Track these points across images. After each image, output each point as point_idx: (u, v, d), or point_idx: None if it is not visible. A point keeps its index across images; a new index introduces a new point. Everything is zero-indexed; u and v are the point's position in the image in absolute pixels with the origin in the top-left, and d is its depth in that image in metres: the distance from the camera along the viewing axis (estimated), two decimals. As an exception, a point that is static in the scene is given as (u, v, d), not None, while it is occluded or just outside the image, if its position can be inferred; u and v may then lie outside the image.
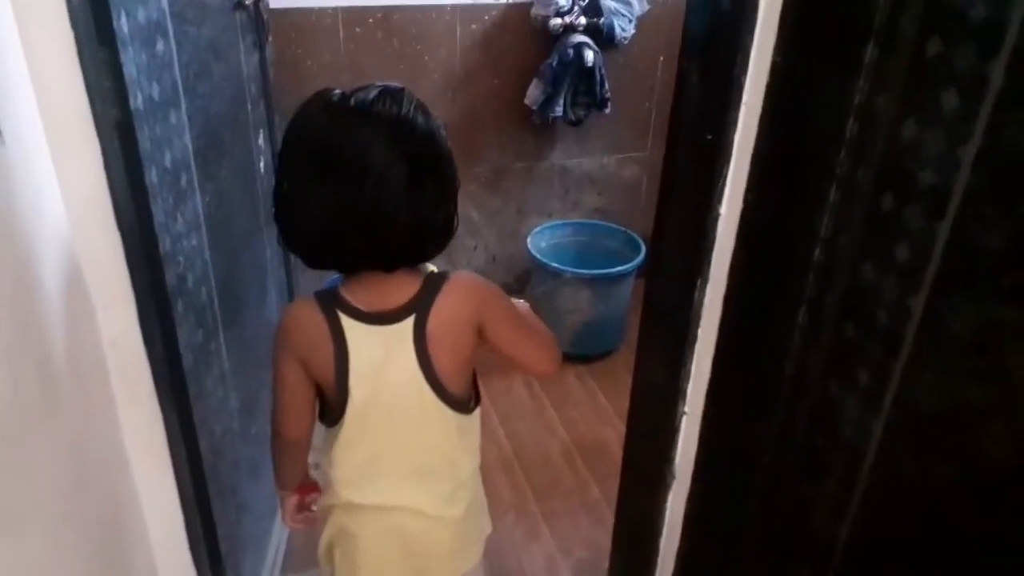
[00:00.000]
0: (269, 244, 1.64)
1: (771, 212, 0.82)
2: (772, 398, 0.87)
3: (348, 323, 0.97)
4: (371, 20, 2.32)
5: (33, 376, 0.71)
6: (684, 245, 0.96)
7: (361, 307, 0.98)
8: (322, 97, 0.92)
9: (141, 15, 0.89)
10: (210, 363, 1.15)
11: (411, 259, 0.98)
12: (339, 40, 2.32)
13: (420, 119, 0.94)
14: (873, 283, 0.71)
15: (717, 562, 1.04)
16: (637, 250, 2.55)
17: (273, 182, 0.94)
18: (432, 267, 1.03)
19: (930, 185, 0.63)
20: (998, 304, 0.58)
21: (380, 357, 0.98)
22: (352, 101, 0.91)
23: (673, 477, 1.10)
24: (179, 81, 1.02)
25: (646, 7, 2.50)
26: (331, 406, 1.03)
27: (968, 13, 0.57)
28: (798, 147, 0.77)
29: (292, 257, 1.89)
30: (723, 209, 0.87)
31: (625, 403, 1.22)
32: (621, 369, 2.53)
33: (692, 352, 0.99)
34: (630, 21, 2.46)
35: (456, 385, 1.02)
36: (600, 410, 2.40)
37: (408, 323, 0.98)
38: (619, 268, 2.45)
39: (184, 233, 1.03)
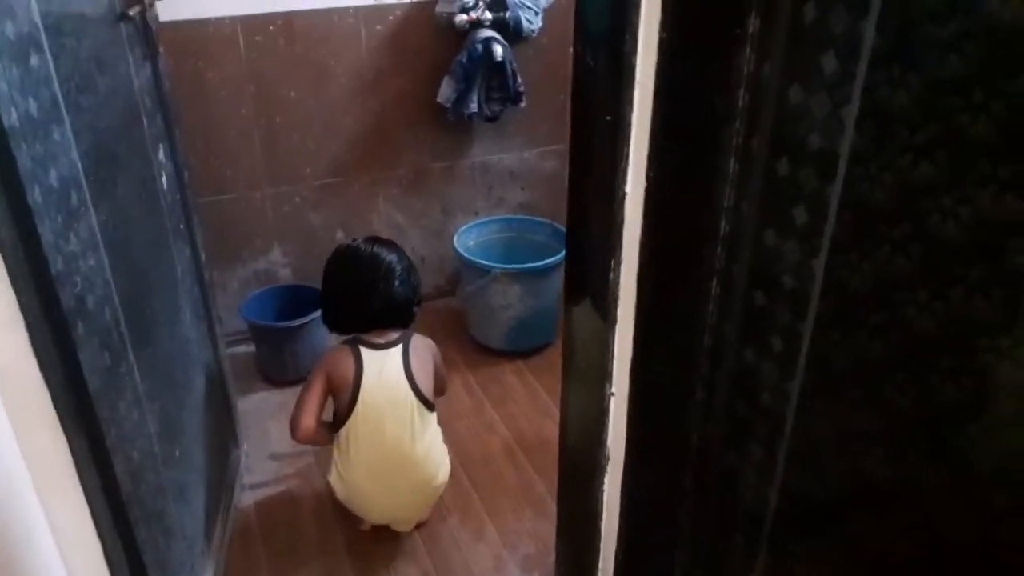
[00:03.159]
0: (179, 261, 1.59)
1: (674, 187, 0.83)
2: (693, 371, 0.88)
3: (364, 351, 1.81)
4: (271, 27, 2.27)
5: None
6: (596, 228, 0.96)
7: (373, 341, 1.83)
8: (343, 247, 1.93)
9: (9, 29, 0.84)
10: (121, 386, 1.10)
11: (405, 321, 1.89)
12: (240, 50, 2.26)
13: (394, 249, 1.92)
14: (776, 248, 0.72)
15: (657, 540, 1.05)
16: (564, 242, 2.56)
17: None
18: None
19: (819, 148, 0.64)
20: (891, 258, 0.59)
21: (380, 367, 1.79)
22: (358, 243, 1.90)
23: (607, 459, 1.11)
24: (60, 96, 0.97)
25: (551, 0, 2.51)
26: (341, 412, 1.78)
27: (837, -25, 0.58)
28: (693, 121, 0.78)
29: (208, 275, 1.84)
30: (628, 188, 0.87)
31: (563, 394, 1.22)
32: (558, 362, 2.52)
33: (614, 332, 0.99)
34: (536, 14, 2.47)
35: (425, 389, 1.81)
36: (540, 404, 2.40)
37: (398, 348, 1.83)
38: (547, 261, 2.46)
39: (79, 252, 0.98)
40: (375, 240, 1.92)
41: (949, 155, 0.53)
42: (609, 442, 1.08)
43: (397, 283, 1.85)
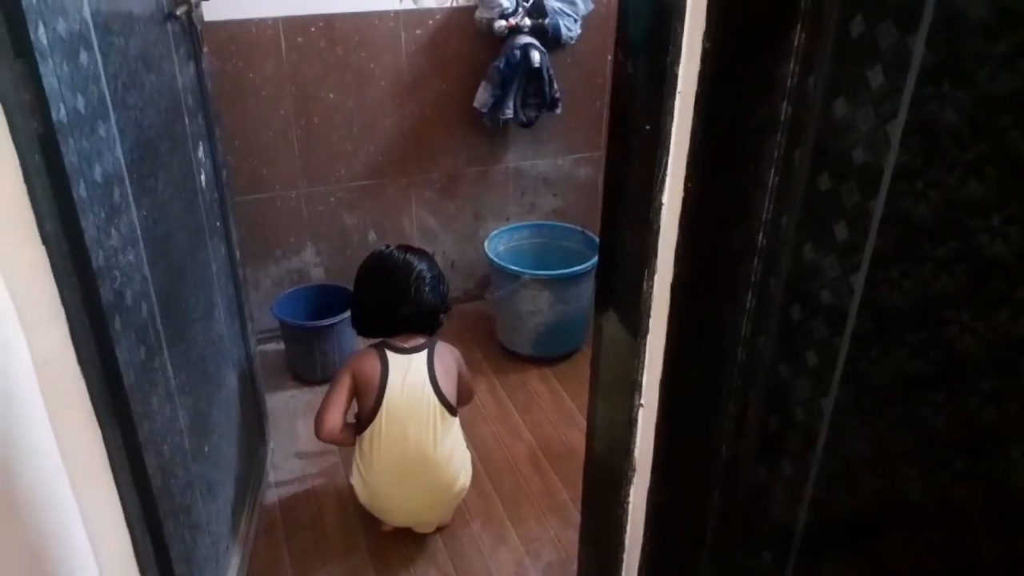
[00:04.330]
0: (215, 259, 1.61)
1: (713, 198, 0.82)
2: (725, 385, 0.87)
3: (390, 354, 1.84)
4: (313, 29, 2.30)
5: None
6: (631, 238, 0.96)
7: (399, 345, 1.86)
8: (376, 253, 1.98)
9: (61, 26, 0.86)
10: (155, 381, 1.12)
11: (432, 326, 1.94)
12: (281, 51, 2.29)
13: (425, 257, 1.97)
14: (815, 263, 0.71)
15: (682, 552, 1.04)
16: (595, 249, 2.55)
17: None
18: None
19: (863, 162, 0.64)
20: (933, 277, 0.58)
21: (405, 370, 1.82)
22: (392, 250, 1.95)
23: (633, 471, 1.10)
24: (107, 93, 0.99)
25: (591, 6, 2.51)
26: (364, 414, 1.81)
27: (888, -9, 0.57)
28: (735, 132, 0.78)
29: (242, 272, 1.86)
30: (665, 199, 0.87)
31: (589, 403, 1.21)
32: (585, 370, 2.50)
33: (645, 343, 0.99)
34: (575, 21, 2.47)
35: (448, 394, 1.84)
36: (565, 412, 2.40)
37: (423, 353, 1.86)
38: (578, 268, 2.45)
39: (119, 248, 1.00)
40: (407, 248, 1.97)
41: (998, 173, 0.52)
42: (636, 453, 1.07)
43: (427, 290, 1.89)
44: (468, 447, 1.95)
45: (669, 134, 0.83)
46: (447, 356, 1.91)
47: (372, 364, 1.82)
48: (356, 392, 1.84)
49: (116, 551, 1.00)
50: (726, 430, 0.89)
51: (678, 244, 0.86)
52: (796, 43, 0.70)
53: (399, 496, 1.84)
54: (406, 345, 1.86)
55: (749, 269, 0.80)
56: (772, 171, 0.75)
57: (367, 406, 1.80)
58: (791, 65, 0.71)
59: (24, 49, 0.78)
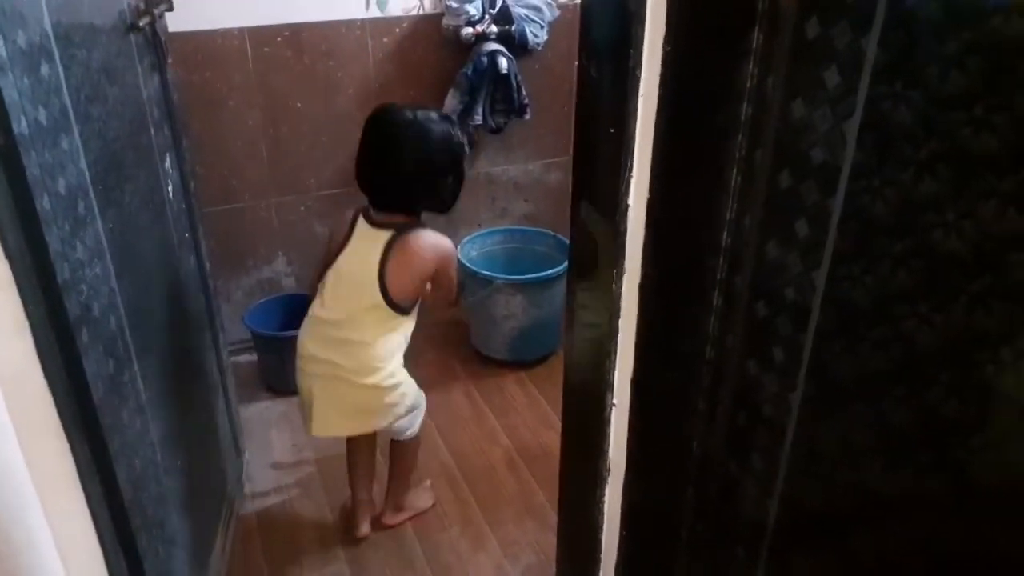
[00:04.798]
0: (184, 270, 1.60)
1: (677, 199, 0.83)
2: (695, 382, 0.88)
3: (361, 221, 1.72)
4: (279, 39, 2.29)
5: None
6: (598, 240, 0.97)
7: (372, 216, 1.72)
8: (389, 104, 1.75)
9: (21, 38, 0.85)
10: (124, 394, 1.10)
11: (401, 205, 1.71)
12: (248, 60, 2.28)
13: (431, 124, 1.69)
14: (778, 261, 0.73)
15: (657, 551, 1.04)
16: (567, 253, 2.57)
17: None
18: (429, 230, 1.77)
19: (822, 161, 0.65)
20: (892, 272, 0.60)
21: (362, 244, 1.70)
22: (397, 105, 1.74)
23: (608, 470, 1.11)
24: (69, 105, 0.98)
25: (556, 13, 2.52)
26: (319, 271, 1.78)
27: (842, -8, 0.59)
28: (697, 134, 0.79)
29: (212, 283, 1.84)
30: (631, 200, 0.88)
31: (566, 405, 1.22)
32: (560, 372, 2.53)
33: (615, 344, 1.00)
34: (542, 27, 2.49)
35: (394, 290, 1.69)
36: (541, 415, 2.40)
37: (387, 234, 1.68)
38: (550, 271, 2.46)
39: (86, 261, 0.99)
40: (421, 108, 1.72)
41: (951, 169, 0.53)
42: (610, 453, 1.08)
43: (403, 159, 1.66)
44: (413, 385, 1.86)
45: (633, 136, 0.84)
46: (414, 253, 1.69)
47: (344, 224, 1.75)
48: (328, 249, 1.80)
49: (87, 566, 0.99)
50: (697, 427, 0.90)
51: (645, 244, 0.87)
52: (754, 45, 0.71)
53: (311, 365, 1.76)
54: (378, 219, 1.71)
55: (715, 267, 0.81)
56: (735, 171, 0.76)
57: (324, 264, 1.77)
58: (750, 67, 0.72)
59: (-18, 62, 0.77)
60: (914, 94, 0.55)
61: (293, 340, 2.38)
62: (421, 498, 2.07)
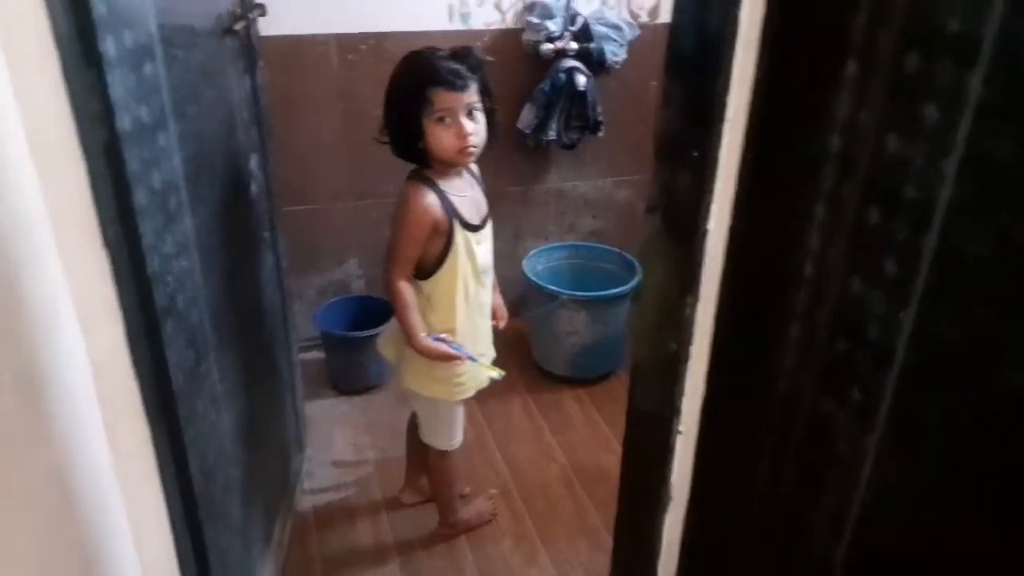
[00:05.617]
0: (263, 268, 1.64)
1: (759, 228, 0.82)
2: (766, 415, 0.87)
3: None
4: (364, 47, 2.34)
5: (14, 390, 0.70)
6: (673, 262, 0.96)
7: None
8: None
9: (128, 38, 0.89)
10: (201, 385, 1.14)
11: (402, 154, 1.63)
12: (332, 67, 2.34)
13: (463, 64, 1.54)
14: (862, 297, 0.71)
15: (715, 584, 1.02)
16: (633, 272, 2.55)
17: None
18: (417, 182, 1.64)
19: (914, 198, 0.63)
20: (988, 315, 0.58)
21: None
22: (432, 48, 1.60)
23: (669, 498, 1.09)
24: (168, 104, 1.02)
25: (637, 32, 2.52)
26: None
27: (945, 28, 0.57)
28: (783, 163, 0.78)
29: (287, 282, 1.89)
30: (711, 225, 0.87)
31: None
32: (620, 392, 2.51)
33: (685, 370, 0.98)
34: (621, 46, 2.48)
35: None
36: (600, 435, 2.39)
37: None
38: (616, 290, 2.45)
39: (174, 254, 1.02)
40: (450, 53, 1.57)
41: (1057, 213, 0.51)
42: (673, 481, 1.06)
43: (398, 101, 1.58)
44: (432, 384, 1.73)
45: (716, 161, 0.84)
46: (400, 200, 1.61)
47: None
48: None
49: (158, 553, 1.02)
50: (766, 462, 0.88)
51: (724, 272, 0.86)
52: (849, 76, 0.70)
53: None
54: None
55: (795, 300, 0.79)
56: (821, 203, 0.75)
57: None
58: (843, 98, 0.71)
59: (94, 59, 0.81)
60: (1019, 132, 0.53)
61: (361, 341, 2.44)
62: (479, 511, 2.05)
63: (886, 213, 0.67)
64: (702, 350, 0.94)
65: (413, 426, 1.98)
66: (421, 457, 1.99)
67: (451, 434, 1.82)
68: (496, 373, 1.74)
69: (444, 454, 1.85)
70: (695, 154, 0.87)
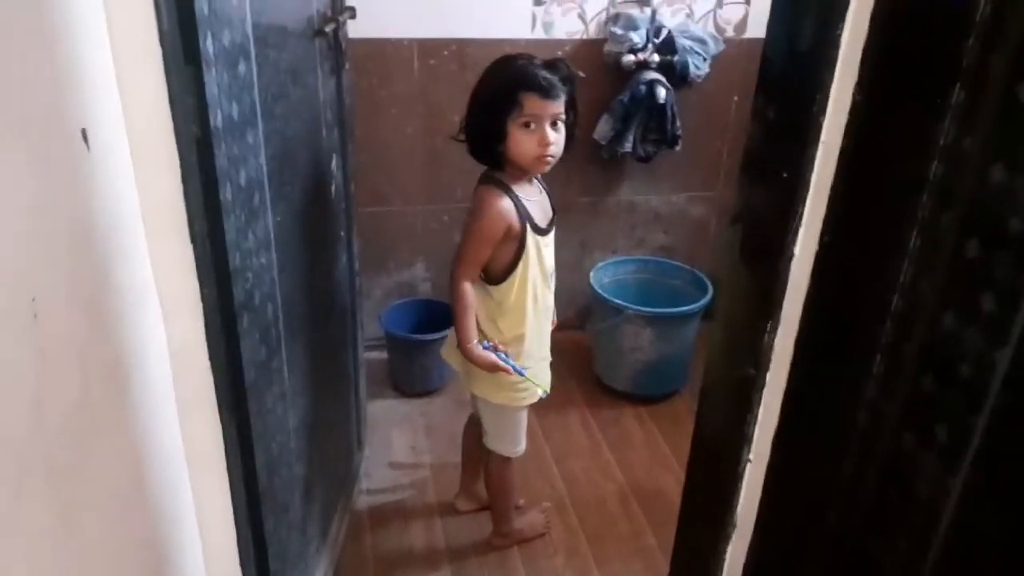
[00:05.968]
0: (336, 267, 1.67)
1: (848, 255, 0.79)
2: (843, 449, 0.83)
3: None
4: (446, 52, 2.36)
5: (101, 377, 0.73)
6: (755, 285, 0.93)
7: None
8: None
9: (226, 37, 0.92)
10: (271, 380, 1.16)
11: (478, 156, 1.64)
12: (413, 71, 2.37)
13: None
14: (955, 333, 0.68)
15: (776, 619, 0.99)
16: (703, 290, 2.50)
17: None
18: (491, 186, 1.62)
19: (1019, 231, 0.60)
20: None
21: None
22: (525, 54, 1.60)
23: (734, 526, 1.06)
24: (257, 102, 1.04)
25: (722, 47, 2.48)
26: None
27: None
28: (878, 189, 0.75)
29: (358, 283, 1.92)
30: (797, 250, 0.84)
31: (686, 448, 1.18)
32: (683, 412, 2.48)
33: (760, 397, 0.96)
34: (704, 60, 2.45)
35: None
36: (659, 455, 2.34)
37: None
38: (684, 308, 2.41)
39: (254, 250, 1.05)
40: (544, 63, 1.56)
41: None
42: (739, 510, 1.04)
43: (477, 109, 1.60)
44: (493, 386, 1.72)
45: (808, 184, 0.81)
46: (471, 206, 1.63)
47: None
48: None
49: (220, 543, 1.04)
50: (838, 496, 0.85)
51: (807, 298, 0.83)
52: (954, 102, 0.67)
53: None
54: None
55: (881, 332, 0.76)
56: (915, 232, 0.72)
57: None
58: (946, 125, 0.68)
59: (193, 57, 0.83)
60: None
61: (424, 343, 2.46)
62: (532, 524, 2.04)
63: (987, 246, 0.64)
64: (779, 377, 0.91)
65: (469, 432, 1.99)
66: (476, 464, 2.00)
67: (515, 440, 1.83)
68: (541, 391, 1.74)
69: (506, 461, 1.85)
70: (785, 174, 0.84)
